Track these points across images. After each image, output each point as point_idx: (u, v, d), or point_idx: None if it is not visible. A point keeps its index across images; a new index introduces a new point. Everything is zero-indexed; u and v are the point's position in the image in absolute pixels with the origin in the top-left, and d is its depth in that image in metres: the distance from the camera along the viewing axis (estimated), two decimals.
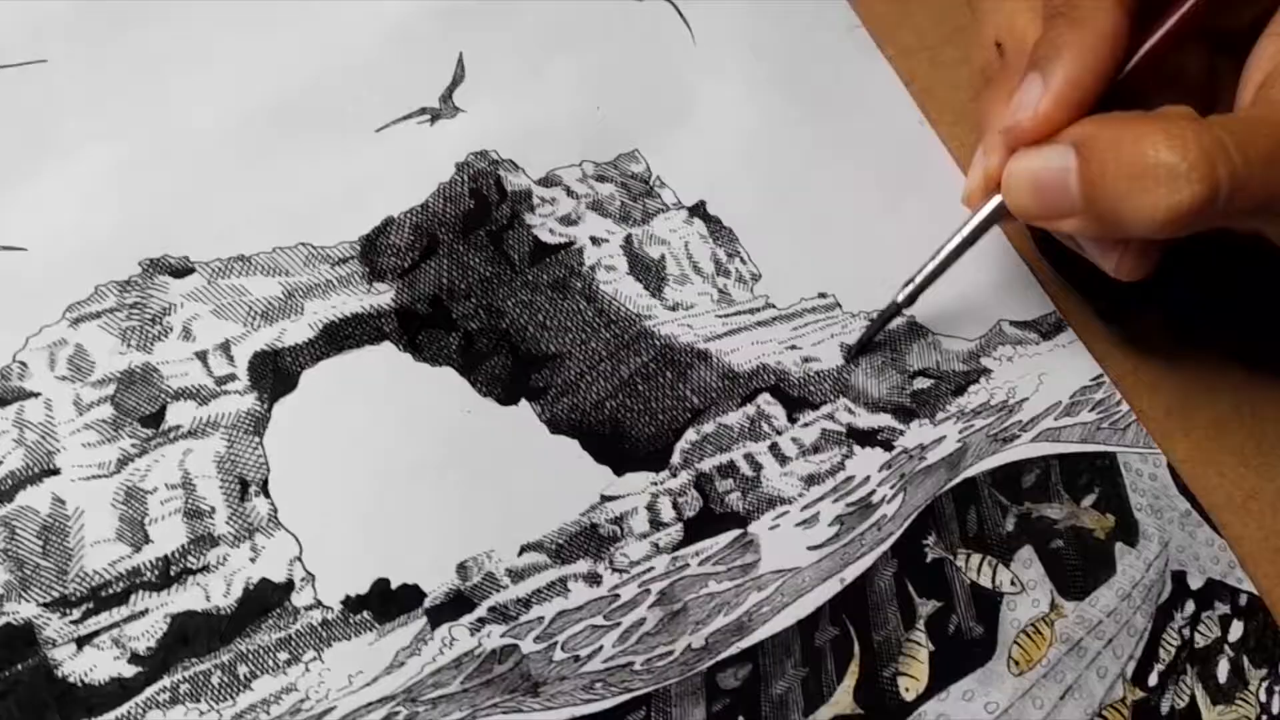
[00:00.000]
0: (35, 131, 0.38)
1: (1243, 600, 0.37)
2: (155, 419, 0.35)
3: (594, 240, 0.40)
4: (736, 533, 0.36)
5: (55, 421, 0.34)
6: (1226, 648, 0.36)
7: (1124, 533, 0.37)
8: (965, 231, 0.36)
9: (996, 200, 0.34)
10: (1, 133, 0.38)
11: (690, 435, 0.37)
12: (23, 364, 0.35)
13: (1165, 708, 0.35)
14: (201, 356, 0.36)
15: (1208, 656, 0.36)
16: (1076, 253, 0.36)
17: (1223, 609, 0.37)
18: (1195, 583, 0.37)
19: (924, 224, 0.41)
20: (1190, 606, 0.37)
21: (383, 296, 0.37)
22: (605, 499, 0.36)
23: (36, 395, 0.35)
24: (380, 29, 0.42)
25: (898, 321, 0.39)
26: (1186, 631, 0.36)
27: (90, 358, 0.35)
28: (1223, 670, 0.36)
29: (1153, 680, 0.35)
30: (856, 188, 0.42)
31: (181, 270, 0.37)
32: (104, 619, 0.32)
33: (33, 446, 0.34)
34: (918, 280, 0.37)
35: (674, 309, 0.39)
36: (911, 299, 0.37)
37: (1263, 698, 0.36)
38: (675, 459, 0.37)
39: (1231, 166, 0.29)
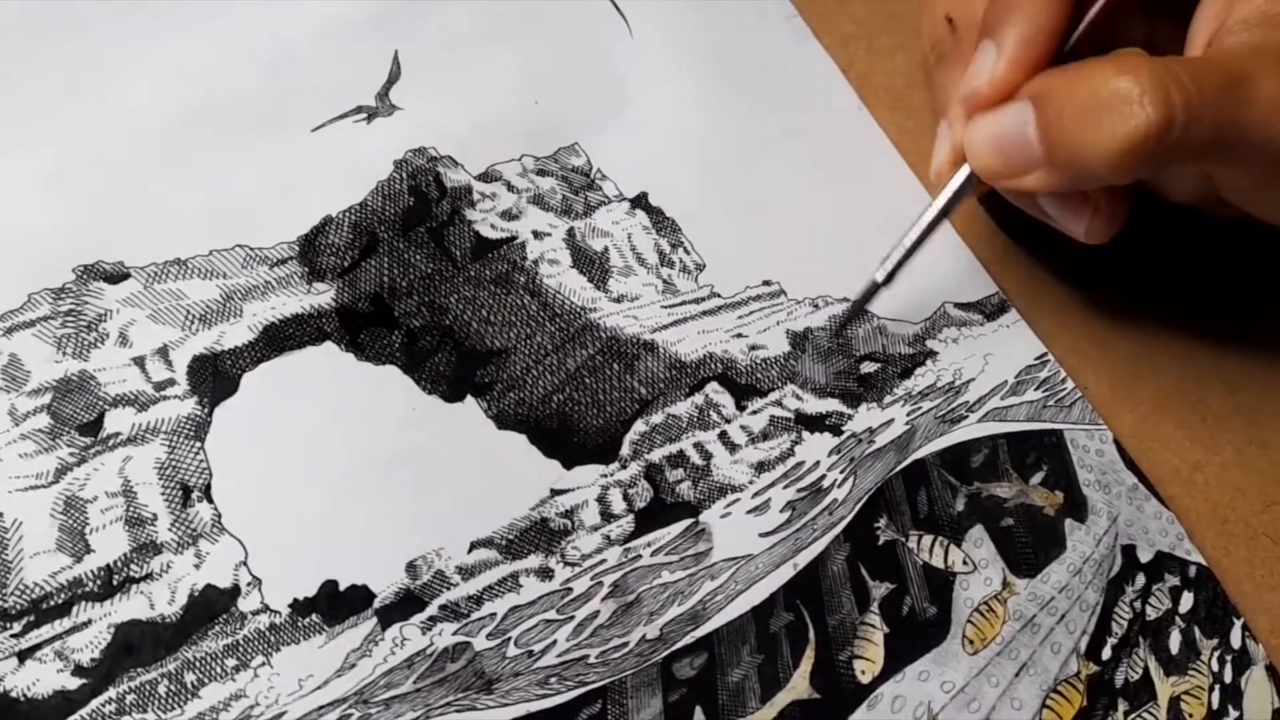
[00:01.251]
0: None
1: (1192, 571, 0.37)
2: (94, 427, 0.34)
3: (536, 234, 0.39)
4: (688, 522, 0.36)
5: None
6: (1178, 619, 0.36)
7: (1073, 509, 0.37)
8: (939, 205, 0.36)
9: (966, 171, 0.35)
10: None
11: (639, 426, 0.37)
12: None
13: (1119, 680, 0.35)
14: (139, 362, 0.35)
15: (1159, 628, 0.36)
16: (1039, 222, 0.36)
17: (1173, 581, 0.37)
18: (1145, 556, 0.37)
19: (865, 208, 0.41)
20: (1140, 579, 0.37)
21: (323, 296, 0.37)
22: (555, 493, 0.35)
23: None
24: (314, 27, 0.42)
25: (842, 307, 0.39)
26: (1138, 604, 0.36)
27: (25, 367, 0.35)
28: (1175, 641, 0.36)
29: (1106, 654, 0.36)
30: (797, 175, 0.42)
31: (116, 276, 0.36)
32: (46, 631, 0.32)
33: None
34: (894, 257, 0.37)
35: (619, 301, 0.39)
36: (890, 276, 0.37)
37: (1214, 667, 0.36)
38: (625, 450, 0.36)
39: (1186, 93, 0.29)
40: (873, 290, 0.38)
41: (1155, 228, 0.37)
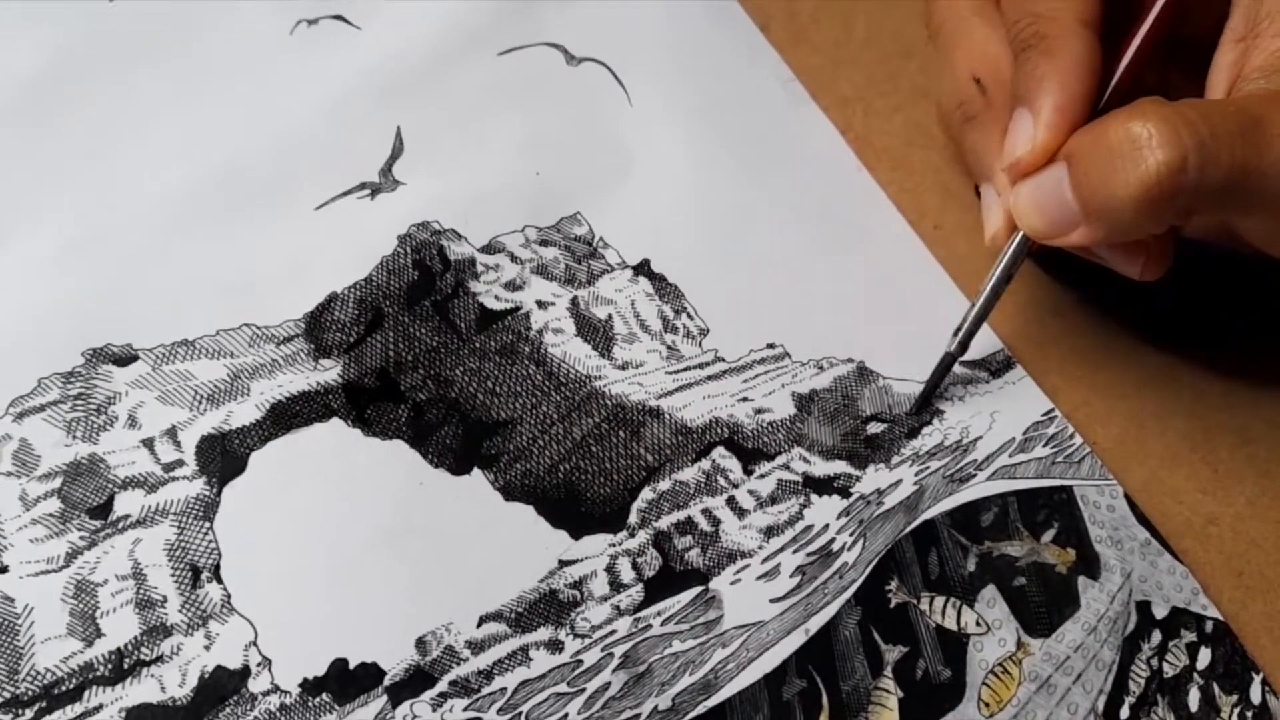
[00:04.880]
0: None
1: (1209, 627, 0.37)
2: (103, 510, 0.34)
3: (540, 304, 0.40)
4: (698, 590, 0.35)
5: (1, 518, 0.34)
6: (1196, 675, 0.36)
7: (1086, 566, 0.37)
8: (999, 270, 0.37)
9: (1021, 234, 0.36)
10: None
11: (646, 494, 0.37)
12: None
13: None
14: (148, 444, 0.36)
15: (1178, 686, 0.36)
16: (1085, 262, 0.37)
17: (1190, 637, 0.36)
18: (1160, 612, 0.37)
19: (867, 269, 0.42)
20: (1157, 636, 0.36)
21: (329, 373, 0.37)
22: (563, 564, 0.35)
23: None
24: (316, 106, 0.42)
25: (846, 368, 0.39)
26: (1155, 662, 0.36)
27: (35, 452, 0.35)
28: (1194, 699, 0.36)
29: (1124, 714, 0.35)
30: (798, 237, 0.42)
31: (125, 358, 0.37)
32: (57, 718, 0.32)
33: None
34: (965, 326, 0.38)
35: (624, 368, 0.39)
36: (964, 345, 0.38)
37: None
38: (632, 519, 0.36)
39: (1197, 134, 0.30)
40: (949, 362, 0.38)
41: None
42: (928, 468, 0.38)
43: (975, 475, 0.38)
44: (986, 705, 0.35)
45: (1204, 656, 0.36)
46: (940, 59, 0.38)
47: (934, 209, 0.43)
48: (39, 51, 0.42)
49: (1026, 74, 0.34)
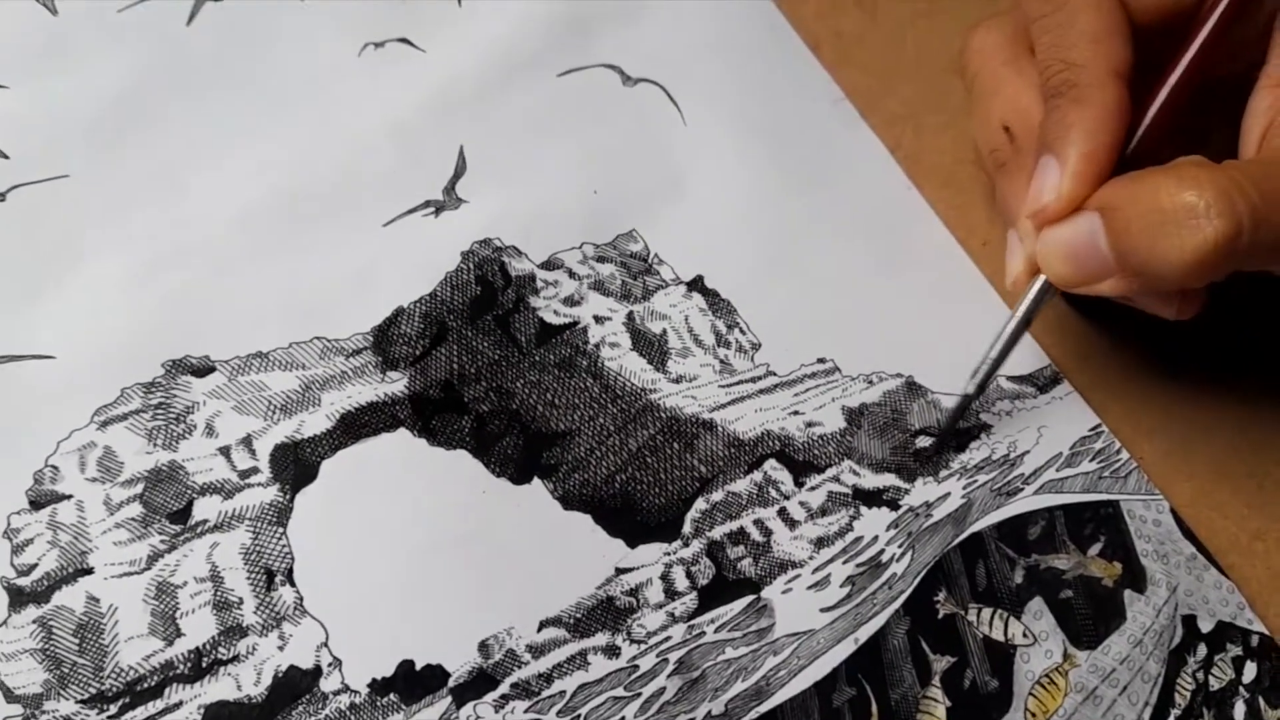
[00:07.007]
0: (58, 243, 0.40)
1: (1254, 641, 0.37)
2: (183, 515, 0.36)
3: (597, 319, 0.41)
4: (750, 598, 0.36)
5: (87, 522, 0.36)
6: (1242, 689, 0.36)
7: (1132, 579, 0.38)
8: (1019, 315, 0.37)
9: (1042, 279, 0.36)
10: (27, 246, 0.40)
11: (700, 504, 0.38)
12: (54, 468, 0.36)
13: None
14: (225, 452, 0.37)
15: (1223, 699, 0.36)
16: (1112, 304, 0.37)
17: (1235, 650, 0.37)
18: (1206, 626, 0.37)
19: (917, 285, 0.42)
20: (1202, 650, 0.37)
21: (396, 384, 0.39)
22: (620, 571, 0.36)
23: (69, 497, 0.36)
24: (382, 126, 0.44)
25: (896, 383, 0.40)
26: (1200, 675, 0.37)
27: (119, 458, 0.37)
28: (1239, 712, 0.36)
29: None
30: (849, 254, 0.43)
31: (203, 369, 0.38)
32: (140, 713, 0.33)
33: (66, 547, 0.35)
34: (983, 370, 0.38)
35: (678, 381, 0.40)
36: (981, 387, 0.38)
37: None
38: (686, 528, 0.37)
39: (1250, 201, 0.30)
40: (965, 404, 0.38)
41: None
42: (975, 481, 0.39)
43: (1022, 489, 0.39)
44: (1033, 715, 0.35)
45: (1250, 670, 0.37)
46: (973, 107, 0.39)
47: (982, 226, 0.44)
48: (117, 74, 0.44)
49: (1055, 121, 0.34)
